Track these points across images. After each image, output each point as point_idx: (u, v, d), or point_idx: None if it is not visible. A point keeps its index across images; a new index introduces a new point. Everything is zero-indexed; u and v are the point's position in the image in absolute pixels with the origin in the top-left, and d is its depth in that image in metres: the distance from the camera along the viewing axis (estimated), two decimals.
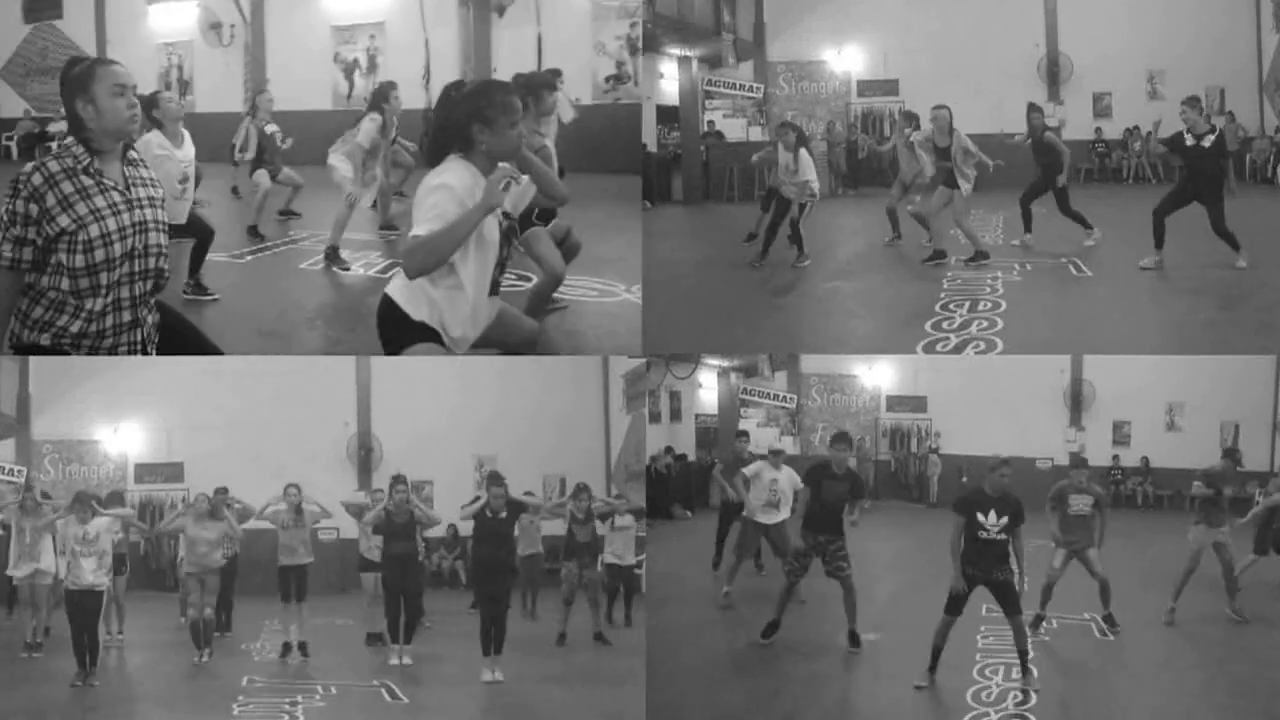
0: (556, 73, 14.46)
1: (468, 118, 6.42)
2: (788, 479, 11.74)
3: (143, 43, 22.89)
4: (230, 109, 16.79)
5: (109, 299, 6.06)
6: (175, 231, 11.39)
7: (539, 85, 9.87)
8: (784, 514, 11.76)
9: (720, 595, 11.77)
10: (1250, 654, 10.18)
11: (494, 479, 10.91)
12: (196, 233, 11.57)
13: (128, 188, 6.07)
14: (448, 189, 6.26)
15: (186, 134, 11.43)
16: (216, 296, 11.53)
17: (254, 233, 14.39)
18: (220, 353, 7.08)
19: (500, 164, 6.38)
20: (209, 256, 11.76)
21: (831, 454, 10.44)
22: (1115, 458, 20.93)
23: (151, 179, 6.33)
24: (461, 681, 10.53)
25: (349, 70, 22.33)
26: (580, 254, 10.80)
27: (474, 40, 21.10)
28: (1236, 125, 20.21)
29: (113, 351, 6.20)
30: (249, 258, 13.54)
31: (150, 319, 6.35)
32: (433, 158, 6.53)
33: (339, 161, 12.76)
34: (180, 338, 6.75)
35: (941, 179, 13.85)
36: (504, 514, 10.65)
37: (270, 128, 15.26)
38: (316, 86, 21.82)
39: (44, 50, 17.94)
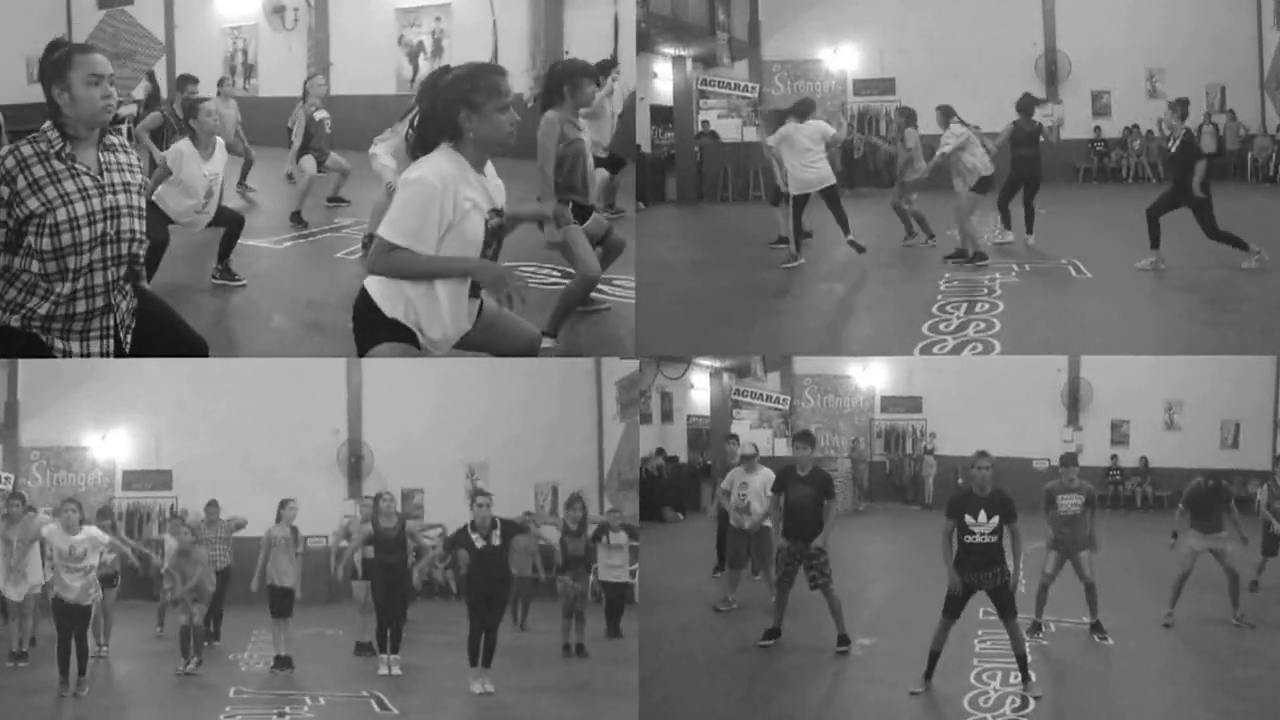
0: (610, 64, 14.34)
1: (453, 104, 6.13)
2: (760, 483, 11.66)
3: (209, 27, 22.91)
4: (293, 93, 16.65)
5: (79, 284, 6.15)
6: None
7: (575, 73, 9.66)
8: (755, 518, 11.72)
9: (721, 601, 11.81)
10: (1252, 656, 10.23)
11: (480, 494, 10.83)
12: (225, 220, 11.65)
13: (101, 173, 6.16)
14: (422, 185, 6.01)
15: (220, 146, 11.43)
16: (244, 283, 11.62)
17: (296, 219, 14.39)
18: (203, 343, 7.03)
19: (509, 275, 6.09)
20: (248, 242, 11.84)
21: (794, 455, 10.53)
22: (1114, 458, 20.90)
23: (130, 164, 6.41)
24: (452, 692, 10.50)
25: (413, 54, 22.02)
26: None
27: (545, 22, 20.79)
28: (1238, 124, 20.25)
29: (84, 336, 6.28)
30: (288, 244, 13.60)
31: (125, 305, 6.42)
32: (418, 150, 6.27)
33: (381, 150, 12.56)
34: (160, 326, 6.76)
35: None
36: (497, 542, 10.50)
37: (319, 114, 15.17)
38: (380, 70, 21.60)
39: (115, 36, 18.06)
